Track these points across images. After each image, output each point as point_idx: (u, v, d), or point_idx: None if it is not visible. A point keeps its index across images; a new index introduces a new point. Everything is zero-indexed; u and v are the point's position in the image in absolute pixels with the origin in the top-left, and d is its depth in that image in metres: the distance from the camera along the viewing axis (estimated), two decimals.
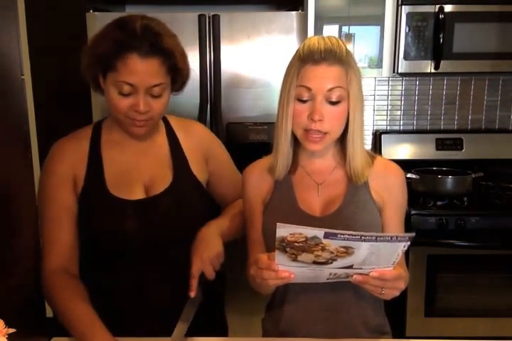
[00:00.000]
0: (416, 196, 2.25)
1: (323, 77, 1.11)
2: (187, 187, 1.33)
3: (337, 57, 1.11)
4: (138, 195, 1.28)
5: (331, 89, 1.11)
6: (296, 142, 1.21)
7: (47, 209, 1.27)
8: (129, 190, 1.28)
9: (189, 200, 1.32)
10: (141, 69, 1.17)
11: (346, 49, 1.14)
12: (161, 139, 1.36)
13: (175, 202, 1.29)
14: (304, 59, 1.12)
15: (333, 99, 1.12)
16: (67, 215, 1.27)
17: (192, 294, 1.20)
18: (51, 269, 1.24)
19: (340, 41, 1.14)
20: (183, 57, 1.25)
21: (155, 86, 1.19)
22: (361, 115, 1.17)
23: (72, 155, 1.29)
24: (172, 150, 1.35)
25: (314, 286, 1.16)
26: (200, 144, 1.40)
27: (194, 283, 1.20)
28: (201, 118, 2.07)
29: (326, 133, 1.14)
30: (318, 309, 1.21)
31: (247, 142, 2.08)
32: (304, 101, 1.13)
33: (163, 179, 1.31)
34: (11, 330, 0.85)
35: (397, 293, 1.08)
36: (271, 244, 1.22)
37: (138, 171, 1.31)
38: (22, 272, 1.17)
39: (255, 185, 1.27)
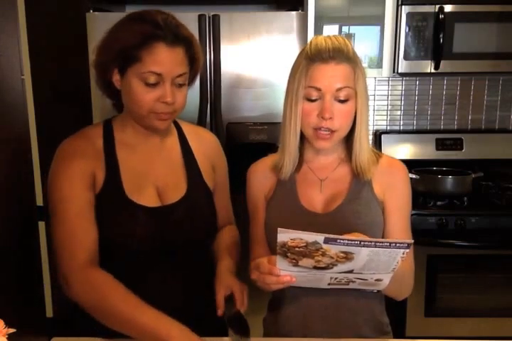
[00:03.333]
0: (416, 196, 2.25)
1: (332, 76, 1.12)
2: (200, 196, 1.32)
3: (345, 55, 1.12)
4: (152, 200, 1.26)
5: (339, 89, 1.12)
6: (301, 139, 1.21)
7: (67, 206, 1.21)
8: (144, 195, 1.26)
9: (201, 210, 1.31)
10: (168, 59, 1.17)
11: (352, 48, 1.15)
12: (174, 142, 1.35)
13: (188, 212, 1.28)
14: (312, 58, 1.12)
15: (342, 98, 1.13)
16: (90, 209, 1.22)
17: (219, 312, 1.20)
18: (80, 266, 1.18)
19: (346, 40, 1.15)
20: (199, 47, 1.26)
21: (179, 76, 1.19)
22: (367, 113, 1.18)
23: (86, 153, 1.25)
24: (184, 155, 1.34)
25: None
26: (209, 152, 1.39)
27: (221, 299, 1.20)
28: (201, 118, 2.07)
29: (334, 131, 1.15)
30: (319, 308, 1.21)
31: (247, 142, 2.08)
32: (313, 101, 1.14)
33: (177, 186, 1.29)
34: (11, 330, 0.86)
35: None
36: (273, 240, 1.21)
37: (151, 174, 1.29)
38: (22, 272, 1.17)
39: (259, 182, 1.28)
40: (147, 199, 1.26)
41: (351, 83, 1.13)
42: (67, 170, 1.24)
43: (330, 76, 1.12)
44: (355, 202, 1.19)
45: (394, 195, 1.22)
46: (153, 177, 1.29)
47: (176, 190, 1.29)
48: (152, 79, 1.16)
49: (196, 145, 1.37)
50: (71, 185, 1.23)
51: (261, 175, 1.28)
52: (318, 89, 1.12)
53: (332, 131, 1.14)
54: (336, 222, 1.17)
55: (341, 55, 1.11)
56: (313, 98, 1.13)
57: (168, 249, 1.27)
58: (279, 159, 1.23)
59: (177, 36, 1.17)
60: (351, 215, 1.18)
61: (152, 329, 1.09)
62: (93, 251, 1.22)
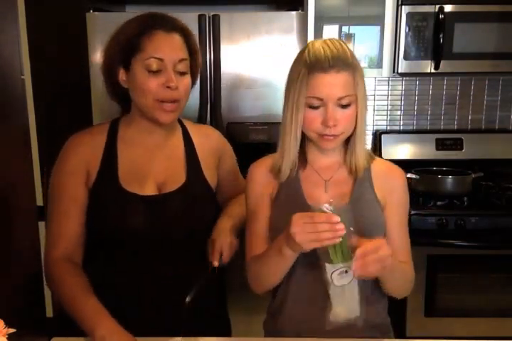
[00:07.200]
0: (416, 196, 2.25)
1: (333, 85, 1.12)
2: (198, 189, 1.35)
3: (344, 62, 1.12)
4: (149, 191, 1.30)
5: (340, 98, 1.13)
6: (303, 139, 1.22)
7: (57, 199, 1.30)
8: (141, 186, 1.30)
9: (198, 202, 1.34)
10: (168, 44, 1.25)
11: (350, 51, 1.15)
12: (177, 140, 1.39)
13: (184, 202, 1.31)
14: (311, 66, 1.12)
15: (344, 104, 1.14)
16: (76, 206, 1.29)
17: (215, 263, 1.27)
18: (56, 257, 1.26)
19: (343, 44, 1.15)
20: (196, 41, 1.34)
21: (180, 61, 1.25)
22: (366, 114, 1.20)
23: (86, 149, 1.31)
24: (187, 152, 1.37)
25: (315, 285, 1.17)
26: (214, 150, 1.43)
27: (217, 254, 1.27)
28: (201, 118, 2.07)
29: (340, 134, 1.17)
30: (319, 309, 1.20)
31: (248, 142, 2.08)
32: (315, 107, 1.15)
33: (175, 179, 1.33)
34: (11, 330, 0.86)
35: (383, 264, 1.03)
36: None
37: (151, 168, 1.33)
38: (22, 272, 1.17)
39: (263, 179, 1.27)
40: (144, 189, 1.30)
41: (352, 90, 1.14)
42: (63, 165, 1.31)
43: (331, 85, 1.12)
44: (359, 204, 1.21)
45: (392, 198, 1.24)
46: (153, 171, 1.33)
47: (174, 182, 1.33)
48: (154, 66, 1.23)
49: (200, 143, 1.40)
50: (63, 180, 1.30)
51: (265, 173, 1.27)
52: (320, 99, 1.13)
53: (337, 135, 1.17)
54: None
55: (340, 62, 1.12)
56: (316, 105, 1.14)
57: (165, 239, 1.29)
58: (276, 162, 1.24)
59: (174, 25, 1.27)
60: (357, 216, 1.15)
61: (85, 320, 1.14)
62: (72, 245, 1.28)
